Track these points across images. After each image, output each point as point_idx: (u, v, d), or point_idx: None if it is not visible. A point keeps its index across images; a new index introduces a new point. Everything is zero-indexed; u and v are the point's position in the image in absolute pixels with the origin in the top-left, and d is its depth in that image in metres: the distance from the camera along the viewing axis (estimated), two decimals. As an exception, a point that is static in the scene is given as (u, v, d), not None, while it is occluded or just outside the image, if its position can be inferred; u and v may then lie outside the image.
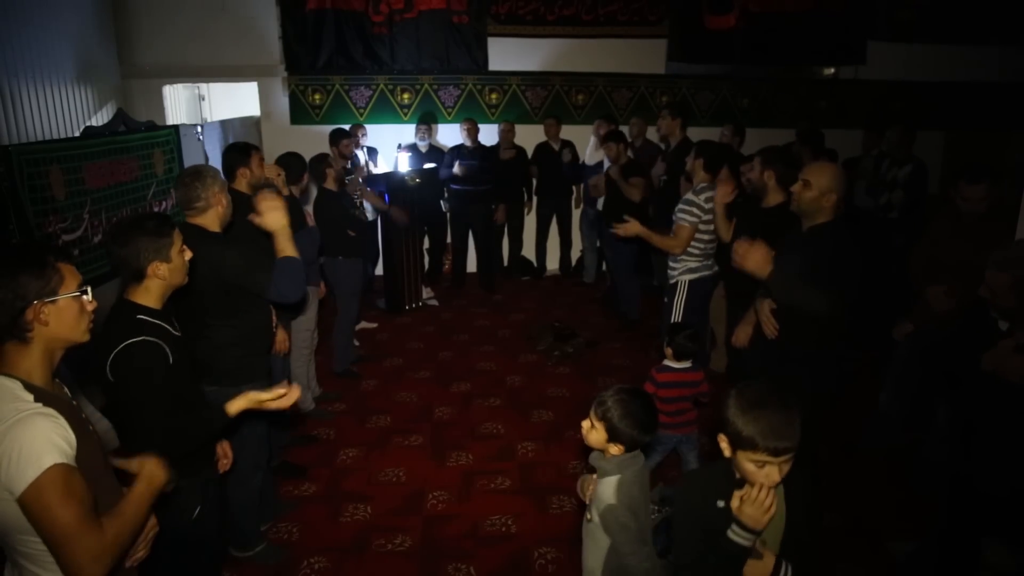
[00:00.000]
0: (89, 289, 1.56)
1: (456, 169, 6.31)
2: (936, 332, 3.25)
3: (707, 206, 3.77)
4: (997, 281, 2.28)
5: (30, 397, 1.42)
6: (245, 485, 2.89)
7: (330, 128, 6.03)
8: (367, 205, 6.02)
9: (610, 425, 1.95)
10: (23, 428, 1.37)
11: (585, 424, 2.02)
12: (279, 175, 3.65)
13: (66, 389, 1.62)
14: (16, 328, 1.44)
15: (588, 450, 2.08)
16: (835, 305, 2.58)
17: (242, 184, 3.25)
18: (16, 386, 1.43)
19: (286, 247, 2.50)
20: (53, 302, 1.47)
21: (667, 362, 3.28)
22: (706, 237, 3.86)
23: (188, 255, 2.04)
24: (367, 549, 3.09)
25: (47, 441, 1.37)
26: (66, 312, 1.50)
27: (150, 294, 1.98)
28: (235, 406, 2.04)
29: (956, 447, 2.48)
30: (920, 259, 3.49)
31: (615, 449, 1.97)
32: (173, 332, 2.02)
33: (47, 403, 1.43)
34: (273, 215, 2.48)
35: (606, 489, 1.97)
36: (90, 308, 1.56)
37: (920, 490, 3.31)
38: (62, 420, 1.43)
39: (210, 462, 2.25)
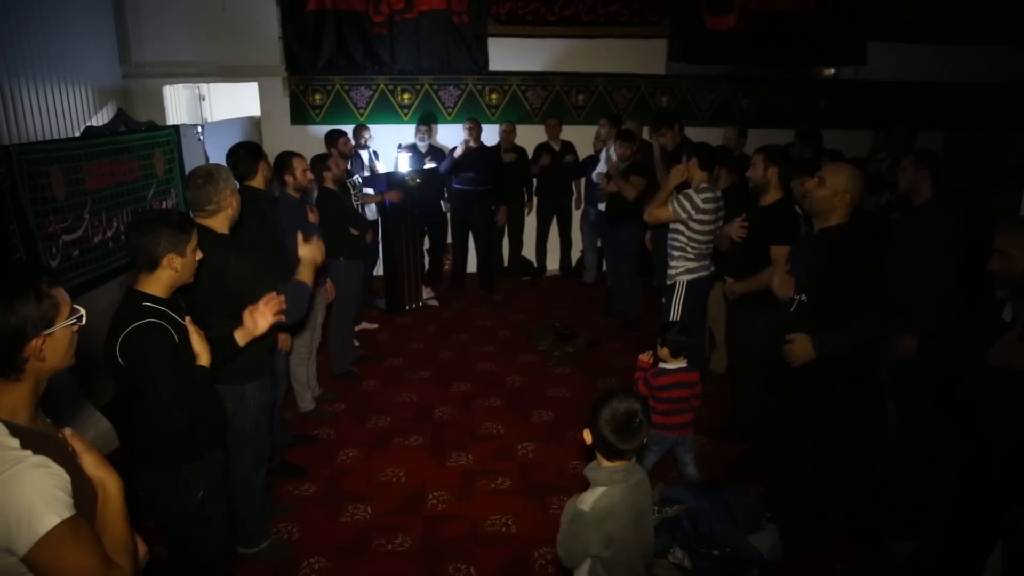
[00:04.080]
0: (83, 314, 1.46)
1: (458, 150, 6.33)
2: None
3: (703, 206, 3.77)
4: (1012, 240, 2.16)
5: (16, 443, 1.29)
6: (249, 482, 2.90)
7: (330, 128, 6.01)
8: (367, 207, 6.03)
9: (594, 432, 1.94)
10: (16, 486, 1.24)
11: (585, 433, 2.01)
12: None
13: (48, 420, 1.52)
14: (9, 366, 1.33)
15: (589, 451, 2.08)
16: (873, 327, 2.65)
17: (260, 181, 3.30)
18: (0, 431, 1.30)
19: (305, 274, 2.66)
20: (51, 334, 1.37)
21: (663, 364, 3.24)
22: (702, 238, 3.86)
23: (199, 255, 2.13)
24: (367, 549, 3.09)
25: (47, 497, 1.26)
26: (61, 341, 1.40)
27: (159, 284, 2.04)
28: (241, 335, 2.26)
29: (967, 445, 2.44)
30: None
31: (603, 461, 1.96)
32: (178, 320, 2.07)
33: (37, 447, 1.31)
34: (312, 253, 2.71)
35: (588, 496, 1.95)
36: (75, 329, 1.46)
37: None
38: (55, 467, 1.30)
39: (211, 445, 2.26)
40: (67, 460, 1.38)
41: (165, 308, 2.04)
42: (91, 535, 1.34)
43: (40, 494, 1.26)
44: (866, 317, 2.63)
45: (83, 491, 1.39)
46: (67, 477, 1.33)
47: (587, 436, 1.98)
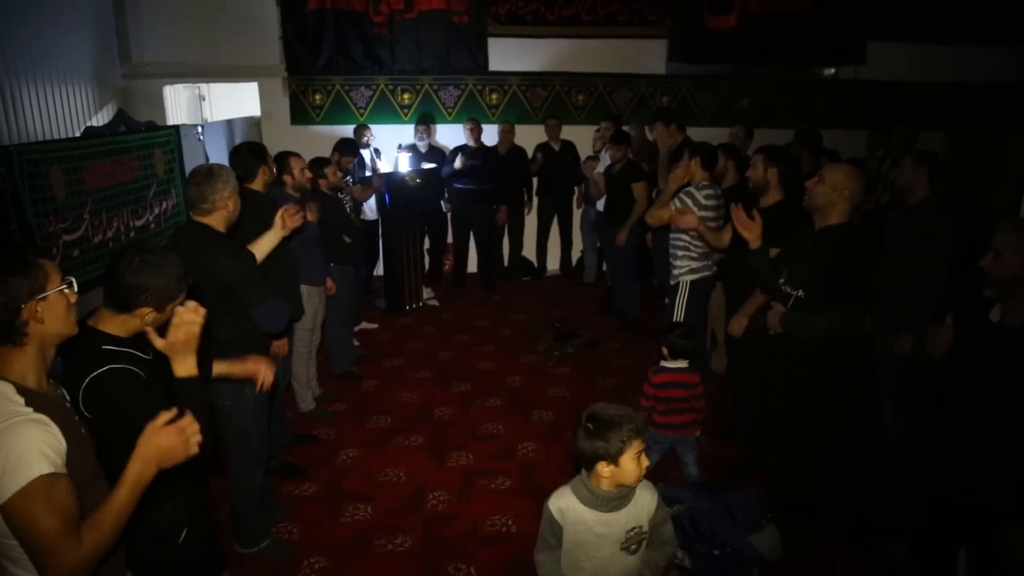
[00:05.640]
0: (73, 281, 1.57)
1: (457, 162, 6.30)
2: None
3: (705, 202, 3.77)
4: (1006, 241, 2.17)
5: (21, 401, 1.41)
6: (248, 482, 2.90)
7: (330, 128, 6.00)
8: (367, 207, 6.01)
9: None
10: (12, 435, 1.36)
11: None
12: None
13: (61, 389, 1.60)
14: (12, 331, 1.44)
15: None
16: (845, 321, 2.65)
17: (259, 184, 3.29)
18: (8, 389, 1.42)
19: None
20: (44, 299, 1.47)
21: (663, 363, 3.26)
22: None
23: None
24: (367, 549, 3.09)
25: (35, 450, 1.36)
26: (57, 306, 1.50)
27: (124, 327, 1.79)
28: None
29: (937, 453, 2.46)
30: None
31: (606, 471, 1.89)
32: (143, 356, 1.83)
33: (39, 407, 1.42)
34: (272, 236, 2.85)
35: (647, 496, 1.94)
36: (74, 300, 1.56)
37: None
38: (53, 427, 1.41)
39: (191, 481, 2.09)
40: (69, 429, 1.46)
41: (127, 348, 1.79)
42: (66, 500, 1.39)
43: (32, 445, 1.36)
44: (840, 311, 2.65)
45: (81, 461, 1.47)
46: (63, 441, 1.42)
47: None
